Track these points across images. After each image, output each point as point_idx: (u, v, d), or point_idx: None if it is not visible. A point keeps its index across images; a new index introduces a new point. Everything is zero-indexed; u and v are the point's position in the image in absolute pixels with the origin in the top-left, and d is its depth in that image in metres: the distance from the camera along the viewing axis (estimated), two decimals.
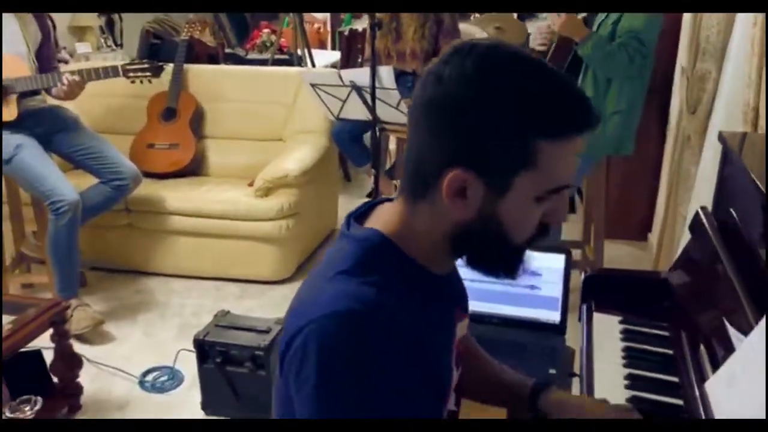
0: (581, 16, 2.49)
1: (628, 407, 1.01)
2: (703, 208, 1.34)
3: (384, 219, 0.85)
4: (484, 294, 1.89)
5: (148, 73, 2.57)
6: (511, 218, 0.78)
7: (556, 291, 1.82)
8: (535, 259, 1.84)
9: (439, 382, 0.86)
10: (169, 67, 3.26)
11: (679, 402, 1.08)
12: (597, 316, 1.38)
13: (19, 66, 2.51)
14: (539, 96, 0.74)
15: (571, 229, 3.41)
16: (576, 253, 3.09)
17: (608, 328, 1.34)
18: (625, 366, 1.21)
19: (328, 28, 5.65)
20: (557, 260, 1.81)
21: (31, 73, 2.52)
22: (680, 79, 2.87)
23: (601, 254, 2.82)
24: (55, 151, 2.65)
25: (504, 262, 0.84)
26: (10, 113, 2.47)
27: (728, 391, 0.90)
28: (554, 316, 1.79)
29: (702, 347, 1.10)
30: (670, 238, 2.83)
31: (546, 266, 1.83)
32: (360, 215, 0.88)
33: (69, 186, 2.50)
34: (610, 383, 1.15)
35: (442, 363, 0.87)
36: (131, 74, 2.55)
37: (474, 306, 1.89)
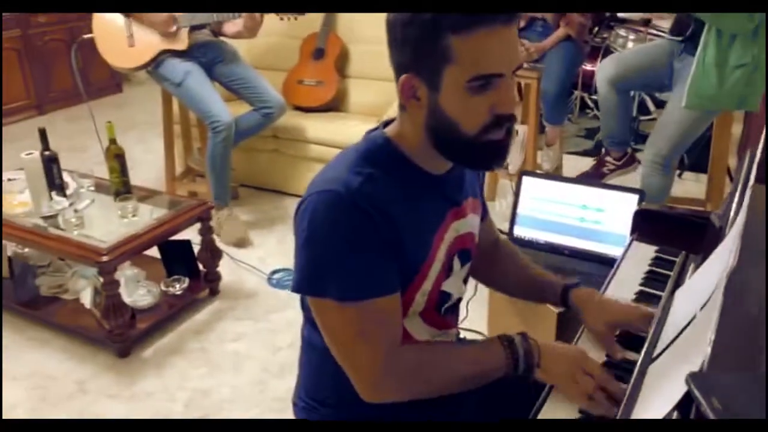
0: None
1: (644, 308, 1.14)
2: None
3: (393, 127, 1.05)
4: (559, 227, 2.02)
5: (295, 12, 2.90)
6: (454, 109, 0.94)
7: (626, 229, 1.90)
8: (604, 197, 1.95)
9: (410, 261, 1.02)
10: None
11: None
12: (635, 245, 1.48)
13: None
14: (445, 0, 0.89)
15: (698, 187, 3.33)
16: None
17: (643, 255, 1.44)
18: (641, 285, 1.32)
19: None
20: (631, 200, 1.89)
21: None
22: None
23: None
24: (216, 79, 3.09)
25: (469, 154, 0.98)
26: (182, 43, 2.93)
27: (683, 296, 1.01)
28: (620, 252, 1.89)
29: None
30: None
31: (617, 205, 1.92)
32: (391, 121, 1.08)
33: (226, 109, 2.93)
34: (617, 296, 1.28)
35: (418, 248, 1.03)
36: (280, 12, 2.90)
37: (549, 237, 2.05)
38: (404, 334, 1.07)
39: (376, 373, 0.99)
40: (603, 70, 2.77)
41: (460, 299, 1.18)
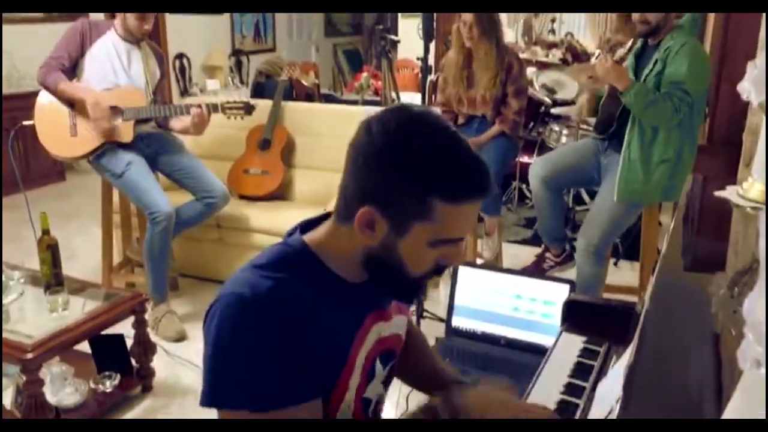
0: (625, 64, 2.57)
1: (540, 407, 1.12)
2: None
3: (316, 232, 1.03)
4: (495, 317, 2.04)
5: (242, 111, 2.97)
6: (408, 255, 0.95)
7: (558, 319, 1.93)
8: (537, 287, 1.99)
9: (325, 367, 0.98)
10: (270, 103, 3.69)
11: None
12: (565, 335, 1.50)
13: (139, 97, 2.99)
14: (443, 164, 0.90)
15: (633, 275, 3.42)
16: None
17: (572, 346, 1.46)
18: (569, 377, 1.33)
19: None
20: (563, 290, 1.93)
21: (146, 105, 2.99)
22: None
23: None
24: (159, 170, 3.09)
25: (400, 289, 1.01)
26: (127, 135, 2.94)
27: (604, 390, 1.02)
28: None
29: None
30: None
31: (549, 295, 1.96)
32: (311, 223, 1.06)
33: (166, 200, 2.91)
34: (546, 389, 1.29)
35: (334, 356, 1.00)
36: (227, 111, 2.96)
37: (485, 327, 2.06)
38: None
39: None
40: (534, 171, 2.90)
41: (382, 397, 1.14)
